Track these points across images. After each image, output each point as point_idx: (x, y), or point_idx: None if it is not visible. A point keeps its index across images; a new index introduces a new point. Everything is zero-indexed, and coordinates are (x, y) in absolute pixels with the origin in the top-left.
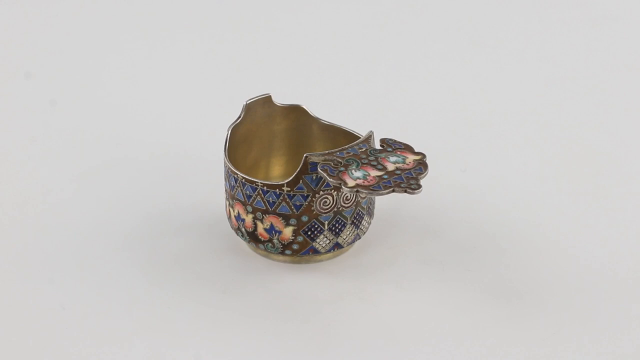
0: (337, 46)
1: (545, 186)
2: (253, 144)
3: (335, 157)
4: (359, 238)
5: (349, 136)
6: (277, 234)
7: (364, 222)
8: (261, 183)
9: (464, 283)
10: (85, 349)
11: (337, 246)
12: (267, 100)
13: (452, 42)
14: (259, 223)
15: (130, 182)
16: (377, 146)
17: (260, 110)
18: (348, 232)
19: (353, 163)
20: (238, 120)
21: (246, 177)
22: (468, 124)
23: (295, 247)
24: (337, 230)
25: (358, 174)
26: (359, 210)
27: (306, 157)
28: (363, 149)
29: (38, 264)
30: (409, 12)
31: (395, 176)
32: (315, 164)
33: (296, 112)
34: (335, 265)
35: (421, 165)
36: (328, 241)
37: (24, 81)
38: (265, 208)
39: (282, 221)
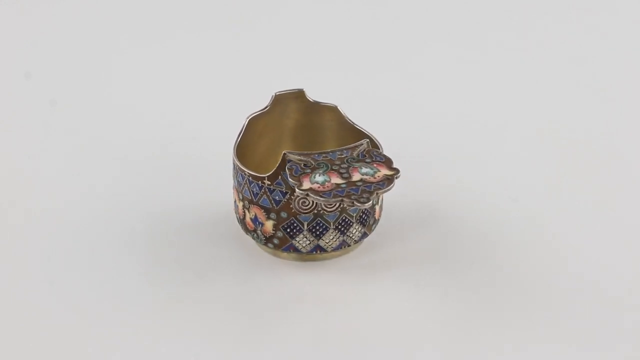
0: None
1: (552, 189)
2: (274, 135)
3: (309, 159)
4: (348, 246)
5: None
6: (260, 225)
7: (352, 231)
8: (248, 173)
9: (464, 286)
10: (87, 349)
11: (319, 249)
12: (299, 95)
13: (456, 41)
14: (246, 212)
15: (136, 180)
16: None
17: (291, 104)
18: (331, 237)
19: (322, 167)
20: (263, 110)
21: (239, 164)
22: (475, 125)
23: (275, 241)
24: (318, 232)
25: (319, 178)
26: (345, 217)
27: (284, 154)
28: (343, 156)
29: (40, 263)
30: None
31: (354, 187)
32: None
33: (330, 112)
34: (343, 263)
35: (386, 181)
36: (308, 242)
37: (24, 81)
38: (250, 198)
39: (264, 214)
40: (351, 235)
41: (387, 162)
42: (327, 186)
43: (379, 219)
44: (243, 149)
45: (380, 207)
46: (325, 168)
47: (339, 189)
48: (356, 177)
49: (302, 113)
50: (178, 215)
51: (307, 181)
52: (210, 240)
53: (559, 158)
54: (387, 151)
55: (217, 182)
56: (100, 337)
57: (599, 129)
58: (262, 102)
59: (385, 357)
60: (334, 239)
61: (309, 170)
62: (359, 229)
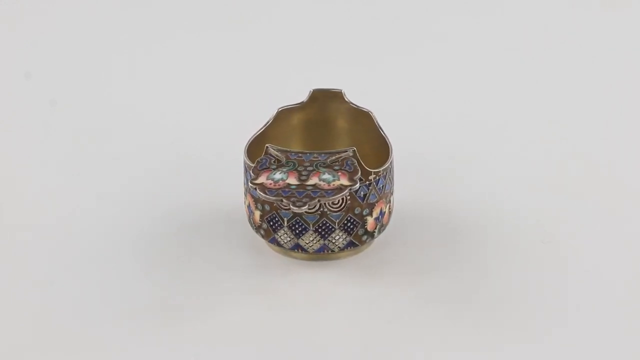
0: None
1: (554, 190)
2: (298, 130)
3: (283, 156)
4: (332, 251)
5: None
6: (252, 214)
7: (335, 237)
8: (246, 162)
9: (466, 287)
10: (90, 349)
11: (300, 248)
12: (337, 95)
13: (463, 41)
14: (245, 199)
15: (147, 179)
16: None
17: (327, 103)
18: (311, 239)
19: (289, 166)
20: (297, 105)
21: (244, 152)
22: (481, 126)
23: (262, 232)
24: (298, 231)
25: (277, 176)
26: (326, 222)
27: (266, 147)
28: (317, 159)
29: (42, 263)
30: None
31: (301, 190)
32: None
33: (363, 117)
34: (351, 263)
35: (337, 190)
36: (289, 239)
37: (24, 81)
38: (246, 186)
39: (254, 203)
40: (334, 241)
41: (352, 173)
42: (279, 184)
43: (374, 232)
44: (265, 139)
45: (377, 220)
46: (290, 167)
47: (287, 189)
48: (312, 181)
49: (333, 113)
50: (182, 214)
51: (264, 176)
52: (218, 239)
53: (562, 158)
54: (396, 152)
55: (227, 180)
56: (103, 336)
57: (601, 130)
58: (272, 101)
59: (384, 357)
60: (314, 241)
61: (274, 167)
62: (343, 236)
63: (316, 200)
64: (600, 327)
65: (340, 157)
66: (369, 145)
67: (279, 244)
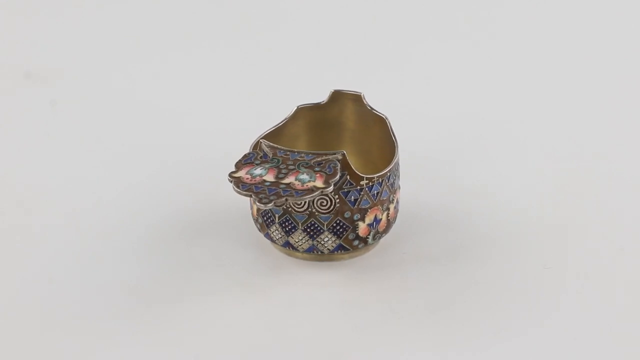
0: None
1: (559, 191)
2: (313, 129)
3: (271, 151)
4: (321, 253)
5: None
6: (252, 207)
7: (324, 238)
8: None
9: (469, 290)
10: (93, 348)
11: (290, 246)
12: (356, 97)
13: (464, 42)
14: None
15: (152, 180)
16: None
17: (348, 105)
18: (300, 238)
19: (272, 163)
20: (316, 104)
21: (251, 148)
22: (484, 127)
23: (258, 226)
24: (287, 229)
25: (257, 171)
26: (314, 222)
27: (260, 142)
28: (304, 159)
29: (42, 264)
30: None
31: (273, 188)
32: None
33: (379, 122)
34: (352, 264)
35: (307, 191)
36: (280, 235)
37: (24, 81)
38: None
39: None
40: (322, 242)
41: (329, 176)
42: (255, 180)
43: (367, 237)
44: (276, 136)
45: (371, 226)
46: (273, 164)
47: (259, 185)
48: (288, 180)
49: (348, 115)
50: (182, 214)
51: (244, 170)
52: (221, 238)
53: (569, 161)
54: (403, 155)
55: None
56: (103, 336)
57: (613, 132)
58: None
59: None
60: (303, 240)
61: (258, 162)
62: (332, 238)
63: (284, 199)
64: (600, 329)
65: (327, 158)
66: (380, 151)
67: (272, 240)
